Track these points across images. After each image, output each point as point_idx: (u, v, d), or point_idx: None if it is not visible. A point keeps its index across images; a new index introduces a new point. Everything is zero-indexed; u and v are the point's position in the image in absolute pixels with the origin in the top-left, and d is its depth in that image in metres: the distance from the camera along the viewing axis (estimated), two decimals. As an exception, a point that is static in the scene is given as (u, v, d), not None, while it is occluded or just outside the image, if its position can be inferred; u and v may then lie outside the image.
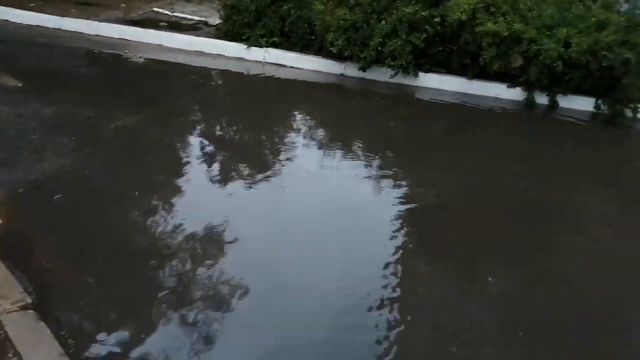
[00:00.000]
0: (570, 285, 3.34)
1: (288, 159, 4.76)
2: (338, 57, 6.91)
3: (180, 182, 4.33)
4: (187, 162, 4.67)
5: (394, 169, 4.81)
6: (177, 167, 4.56)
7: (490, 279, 3.34)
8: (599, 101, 6.34)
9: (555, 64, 5.95)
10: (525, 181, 4.74)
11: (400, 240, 3.66)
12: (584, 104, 6.45)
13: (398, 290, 3.14)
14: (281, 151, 4.96)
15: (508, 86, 6.67)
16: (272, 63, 7.28)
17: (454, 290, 3.22)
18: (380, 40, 6.44)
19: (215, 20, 8.13)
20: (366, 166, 4.78)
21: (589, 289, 3.33)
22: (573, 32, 6.02)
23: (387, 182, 4.49)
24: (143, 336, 2.67)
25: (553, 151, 5.46)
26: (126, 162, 4.49)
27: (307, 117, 6.05)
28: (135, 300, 2.92)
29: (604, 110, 6.31)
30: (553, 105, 6.48)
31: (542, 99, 6.53)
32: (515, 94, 6.66)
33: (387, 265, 3.35)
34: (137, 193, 4.02)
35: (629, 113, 6.18)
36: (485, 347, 2.76)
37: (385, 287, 3.15)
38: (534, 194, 4.52)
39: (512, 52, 6.30)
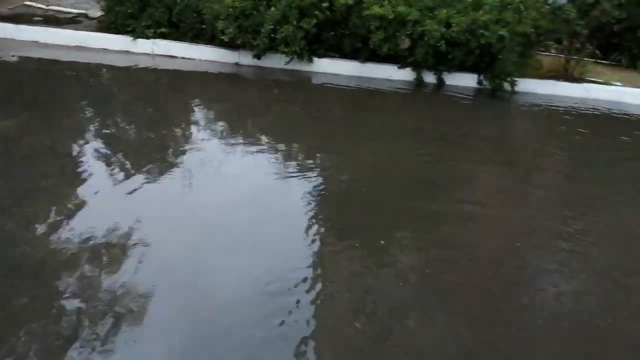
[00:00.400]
0: (466, 250, 3.54)
1: (190, 155, 4.59)
2: (231, 45, 6.78)
3: (68, 187, 4.02)
4: (76, 166, 4.33)
5: (298, 155, 4.84)
6: (64, 172, 4.23)
7: (382, 242, 3.48)
8: (481, 77, 6.80)
9: (438, 44, 6.26)
10: (420, 156, 4.97)
11: (310, 223, 3.68)
12: (467, 80, 6.89)
13: (312, 273, 3.15)
14: (181, 147, 4.78)
15: (398, 67, 6.94)
16: (162, 55, 6.99)
17: (361, 267, 3.30)
18: (272, 27, 6.41)
19: (96, 12, 7.63)
20: (270, 154, 4.75)
21: (483, 252, 3.56)
22: (452, 12, 6.36)
23: (292, 168, 4.50)
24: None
25: (443, 126, 5.76)
26: (2, 170, 4.11)
27: (206, 109, 5.88)
28: (24, 320, 2.69)
29: (486, 85, 6.78)
30: (440, 83, 6.85)
31: (430, 78, 6.86)
32: (406, 74, 6.94)
33: (298, 250, 3.36)
34: (18, 203, 3.69)
35: (507, 86, 6.67)
36: (391, 319, 2.86)
37: (298, 269, 3.15)
38: (430, 167, 4.74)
39: (399, 34, 6.53)
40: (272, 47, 6.59)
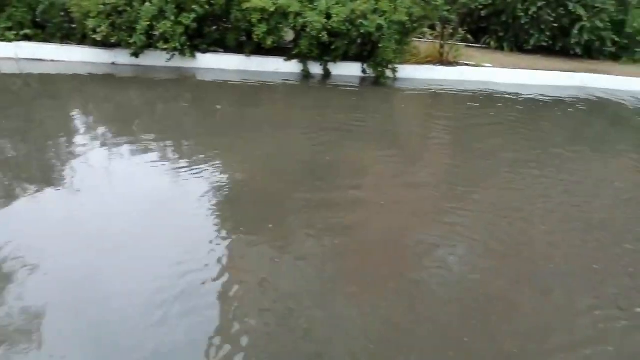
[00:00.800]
0: (359, 234, 3.63)
1: (71, 163, 4.24)
2: (105, 45, 6.40)
3: None
4: None
5: (188, 154, 4.66)
6: None
7: (278, 234, 3.50)
8: (364, 65, 7.01)
9: (320, 35, 6.34)
10: (311, 146, 4.99)
11: (205, 221, 3.57)
12: (352, 69, 7.07)
13: (210, 272, 3.05)
14: (61, 156, 4.41)
15: (285, 60, 6.95)
16: (28, 59, 6.43)
17: (260, 260, 3.25)
18: (148, 23, 6.12)
19: (-55, 14, 6.84)
20: (159, 155, 4.53)
21: (374, 235, 3.67)
22: (332, 3, 6.47)
23: (183, 168, 4.32)
24: None
25: (332, 115, 5.86)
26: None
27: (84, 114, 5.48)
28: None
29: (370, 73, 7.00)
30: (327, 73, 6.97)
31: (317, 69, 6.96)
32: (293, 66, 6.97)
33: (195, 250, 3.24)
34: None
35: (389, 73, 6.94)
36: (292, 308, 2.86)
37: (205, 269, 3.05)
38: (321, 156, 4.78)
39: (281, 26, 6.53)
40: (150, 44, 6.31)
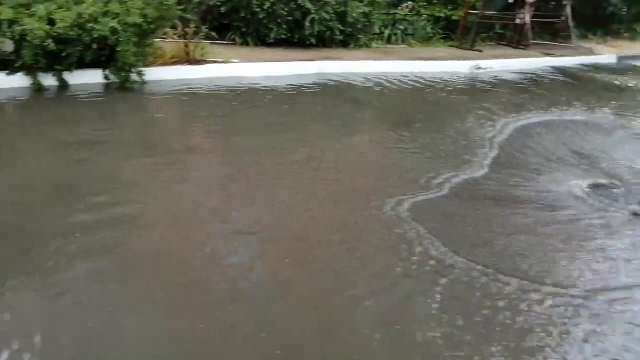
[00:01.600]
0: (118, 251, 3.38)
1: None
2: None
3: None
4: None
5: None
6: None
7: (16, 265, 3.07)
8: (106, 71, 6.54)
9: (45, 43, 5.69)
10: (60, 166, 4.47)
11: None
12: (93, 76, 6.55)
13: None
14: None
15: (7, 74, 6.08)
16: None
17: (6, 306, 2.79)
18: None
19: None
20: None
21: (133, 248, 3.46)
22: (53, 8, 5.85)
23: None
24: None
25: (77, 130, 5.30)
26: None
27: None
28: None
29: (113, 79, 6.57)
30: (63, 84, 6.32)
31: (50, 80, 6.25)
32: (19, 80, 6.15)
33: None
34: None
35: (135, 77, 6.61)
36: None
37: None
38: (71, 175, 4.30)
39: (-6, 36, 5.66)
40: None
